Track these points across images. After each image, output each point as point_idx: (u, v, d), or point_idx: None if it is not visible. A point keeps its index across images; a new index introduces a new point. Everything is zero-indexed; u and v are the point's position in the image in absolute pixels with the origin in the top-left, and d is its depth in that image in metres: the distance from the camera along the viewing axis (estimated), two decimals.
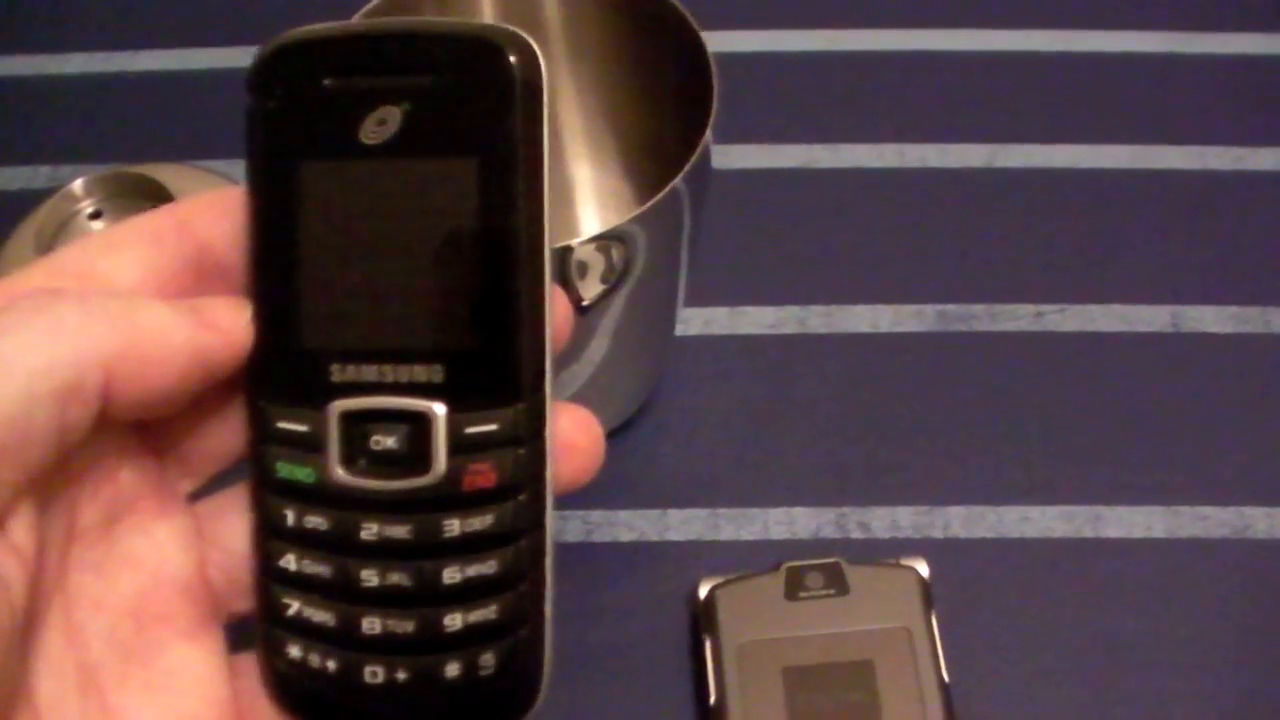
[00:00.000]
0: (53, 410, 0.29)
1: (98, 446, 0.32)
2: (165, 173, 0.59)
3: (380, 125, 0.32)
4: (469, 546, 0.32)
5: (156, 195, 0.58)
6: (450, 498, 0.32)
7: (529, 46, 0.32)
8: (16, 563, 0.30)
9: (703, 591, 0.58)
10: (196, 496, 0.36)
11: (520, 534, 0.33)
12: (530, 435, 0.33)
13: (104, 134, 0.76)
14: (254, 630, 0.34)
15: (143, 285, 0.33)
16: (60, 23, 0.81)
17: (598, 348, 0.56)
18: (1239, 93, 0.77)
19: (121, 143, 0.75)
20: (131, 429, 0.34)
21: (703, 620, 0.57)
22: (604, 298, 0.53)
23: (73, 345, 0.30)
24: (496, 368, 0.32)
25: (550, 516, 0.33)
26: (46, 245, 0.59)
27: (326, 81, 0.33)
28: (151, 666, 0.33)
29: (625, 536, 0.62)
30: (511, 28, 0.33)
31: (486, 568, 0.32)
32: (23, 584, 0.30)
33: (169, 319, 0.32)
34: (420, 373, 0.32)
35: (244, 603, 0.35)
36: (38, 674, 0.32)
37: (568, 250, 0.50)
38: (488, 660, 0.33)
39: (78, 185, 0.60)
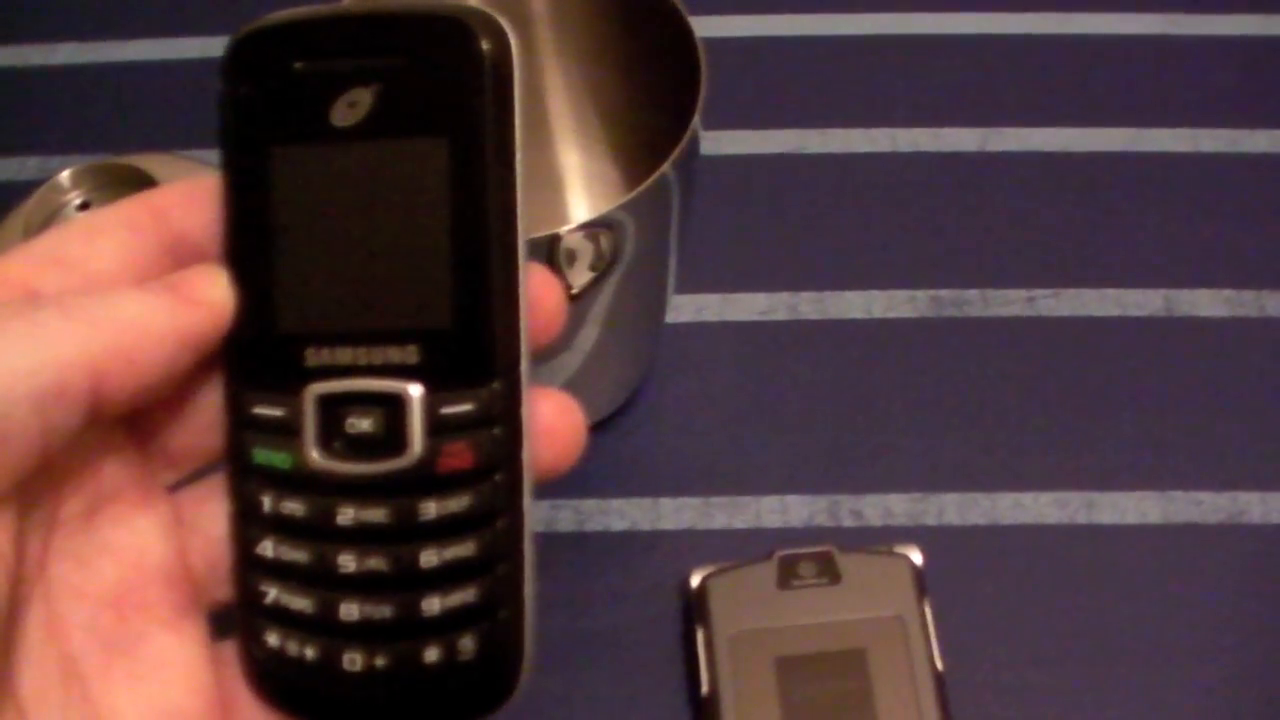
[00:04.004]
0: (32, 413, 0.29)
1: (82, 440, 0.32)
2: (153, 163, 0.59)
3: (351, 108, 0.32)
4: (447, 529, 0.32)
5: (144, 186, 0.58)
6: (427, 479, 0.32)
7: (497, 26, 0.32)
8: None
9: (695, 581, 0.58)
10: (178, 485, 0.35)
11: (498, 515, 0.33)
12: (506, 414, 0.32)
13: (92, 124, 0.76)
14: (234, 618, 0.34)
15: (121, 272, 0.33)
16: (47, 13, 0.81)
17: (588, 336, 0.56)
18: (1232, 75, 0.77)
19: (109, 133, 0.75)
20: (116, 421, 0.34)
21: (695, 610, 0.57)
22: (593, 285, 0.53)
23: (54, 349, 0.30)
24: (471, 347, 0.32)
25: (528, 498, 0.33)
26: (34, 236, 0.58)
27: (297, 65, 0.33)
28: (134, 656, 0.33)
29: (617, 525, 0.62)
30: (480, 8, 0.33)
31: (464, 550, 0.32)
32: (4, 575, 0.30)
33: (149, 305, 0.31)
34: (395, 354, 0.32)
35: (226, 590, 0.35)
36: (19, 666, 0.31)
37: (556, 238, 0.50)
38: (467, 644, 0.32)
39: (65, 176, 0.60)
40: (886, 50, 0.78)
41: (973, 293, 0.69)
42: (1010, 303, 0.68)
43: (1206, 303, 0.68)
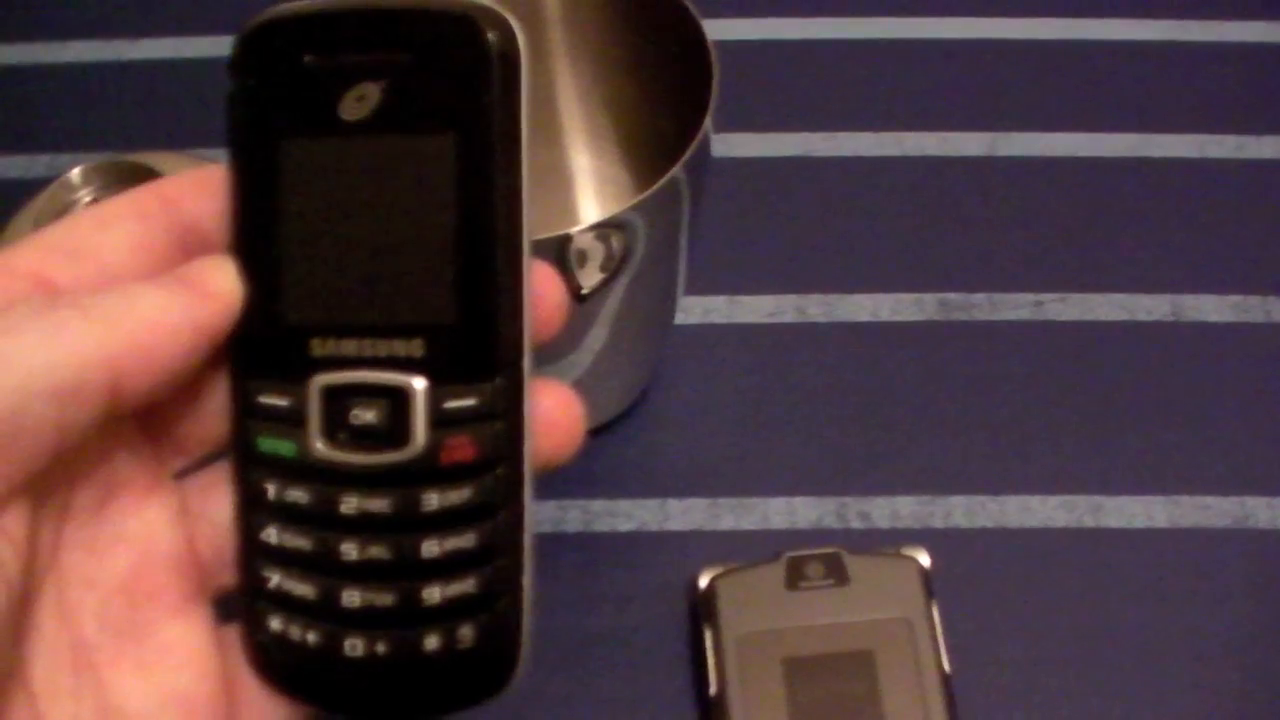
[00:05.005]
0: (50, 408, 0.29)
1: (95, 433, 0.32)
2: (163, 161, 0.59)
3: (359, 101, 0.33)
4: (448, 520, 0.33)
5: None
6: (429, 471, 0.33)
7: (505, 22, 0.33)
8: (10, 547, 0.30)
9: (703, 581, 0.58)
10: (184, 473, 0.36)
11: (498, 508, 0.33)
12: (508, 409, 0.33)
13: (102, 122, 0.77)
14: (238, 603, 0.35)
15: (132, 260, 0.33)
16: (58, 10, 0.81)
17: (597, 336, 0.56)
18: (1239, 81, 0.77)
19: (119, 131, 0.76)
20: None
21: (703, 610, 0.57)
22: (603, 286, 0.53)
23: (73, 347, 0.30)
24: (474, 341, 0.33)
25: (529, 491, 0.33)
26: None
27: (306, 59, 0.33)
28: (144, 643, 0.34)
29: (625, 526, 0.62)
30: (488, 4, 0.33)
31: (465, 541, 0.33)
32: (17, 565, 0.30)
33: (163, 301, 0.32)
34: (399, 347, 0.33)
35: (231, 576, 0.35)
36: (31, 654, 0.32)
37: (567, 239, 0.50)
38: (466, 633, 0.33)
39: (75, 174, 0.60)
40: (895, 54, 0.79)
41: (980, 297, 0.69)
42: (1018, 307, 0.68)
43: (1213, 308, 0.68)
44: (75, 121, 0.77)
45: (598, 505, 0.63)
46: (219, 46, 0.78)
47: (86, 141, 0.75)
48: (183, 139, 0.66)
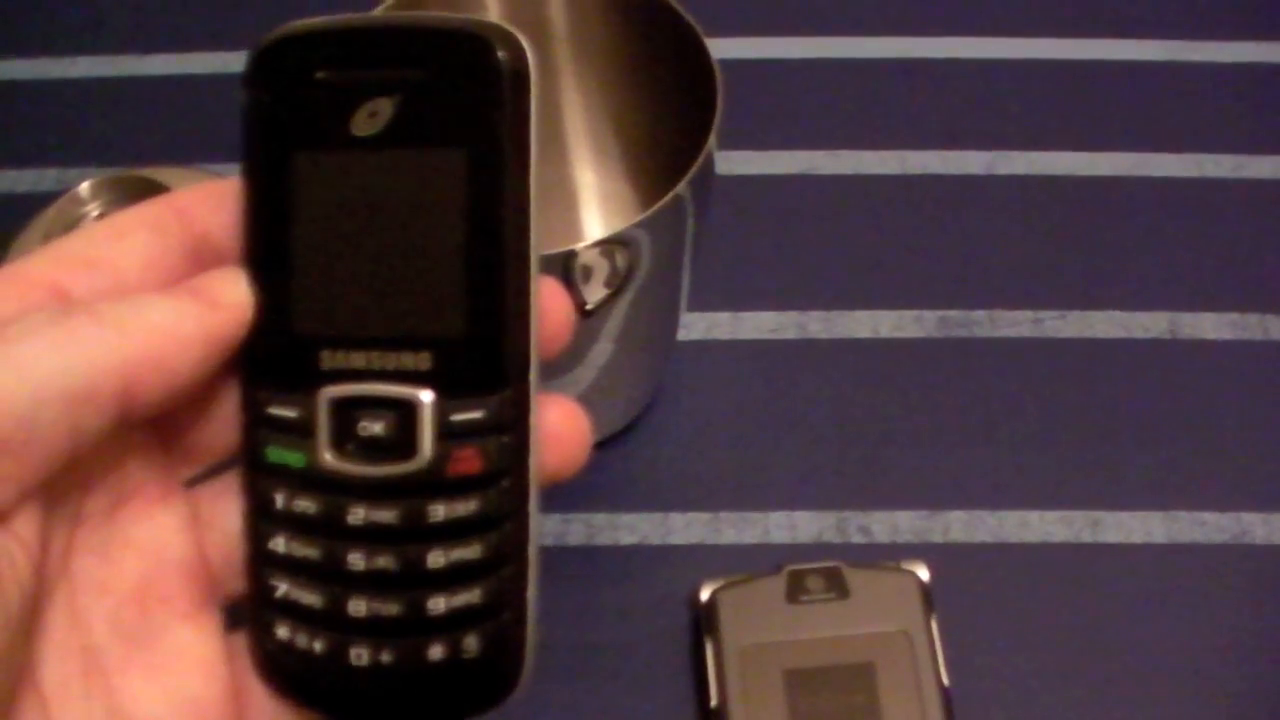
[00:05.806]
0: (62, 414, 0.30)
1: (107, 440, 0.33)
2: (171, 176, 0.60)
3: (371, 117, 0.33)
4: (454, 531, 0.33)
5: None
6: (436, 483, 0.33)
7: (516, 41, 0.33)
8: (21, 550, 0.30)
9: (704, 594, 0.58)
10: (194, 481, 0.36)
11: (504, 519, 0.33)
12: (515, 422, 0.33)
13: (111, 137, 0.77)
14: (245, 611, 0.35)
15: (146, 271, 0.33)
16: (67, 26, 0.82)
17: (601, 351, 0.56)
18: (1237, 100, 0.77)
19: (129, 146, 0.76)
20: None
21: (704, 623, 0.58)
22: (607, 302, 0.54)
23: (85, 354, 0.30)
24: (482, 355, 0.33)
25: (534, 503, 0.34)
26: None
27: (319, 74, 0.33)
28: (154, 649, 0.34)
29: (627, 539, 0.63)
30: (500, 23, 0.33)
31: (470, 552, 0.33)
32: (29, 568, 0.31)
33: (175, 311, 0.32)
34: (408, 360, 0.33)
35: (240, 584, 0.35)
36: (42, 658, 0.32)
37: (572, 254, 0.50)
38: (471, 643, 0.33)
39: (85, 188, 0.61)
40: (897, 73, 0.79)
41: (980, 313, 0.69)
42: (1017, 324, 0.69)
43: (1211, 325, 0.69)
44: (84, 136, 0.77)
45: (600, 518, 0.63)
46: (227, 63, 0.79)
47: (95, 156, 0.75)
48: (190, 154, 0.66)
